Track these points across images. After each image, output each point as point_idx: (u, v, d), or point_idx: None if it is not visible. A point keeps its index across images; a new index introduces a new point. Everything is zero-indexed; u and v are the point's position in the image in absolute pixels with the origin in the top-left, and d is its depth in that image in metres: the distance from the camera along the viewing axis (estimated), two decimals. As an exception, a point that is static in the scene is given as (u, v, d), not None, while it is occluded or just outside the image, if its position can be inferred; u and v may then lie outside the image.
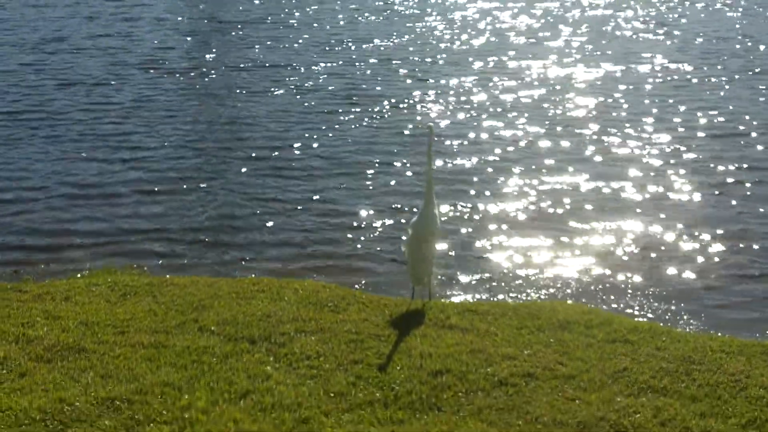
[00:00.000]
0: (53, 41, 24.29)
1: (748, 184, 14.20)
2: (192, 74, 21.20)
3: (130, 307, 8.75)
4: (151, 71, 21.25)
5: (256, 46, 24.07)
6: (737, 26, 27.88)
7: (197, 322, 8.31)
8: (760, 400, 7.09)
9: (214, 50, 23.94)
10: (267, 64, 21.97)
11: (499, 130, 16.88)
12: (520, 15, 29.45)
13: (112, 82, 20.09)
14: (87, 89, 19.48)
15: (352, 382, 7.18)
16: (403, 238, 9.12)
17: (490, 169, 14.80)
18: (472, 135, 16.56)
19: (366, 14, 29.38)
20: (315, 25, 27.39)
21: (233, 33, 26.12)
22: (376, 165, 14.92)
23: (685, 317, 10.07)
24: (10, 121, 17.06)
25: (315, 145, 15.92)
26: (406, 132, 16.62)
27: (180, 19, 28.62)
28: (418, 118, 17.22)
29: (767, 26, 27.86)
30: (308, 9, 30.25)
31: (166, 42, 24.77)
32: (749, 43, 24.94)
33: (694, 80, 20.80)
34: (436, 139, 15.73)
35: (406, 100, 18.78)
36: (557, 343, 8.04)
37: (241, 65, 21.97)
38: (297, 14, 29.09)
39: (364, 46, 24.30)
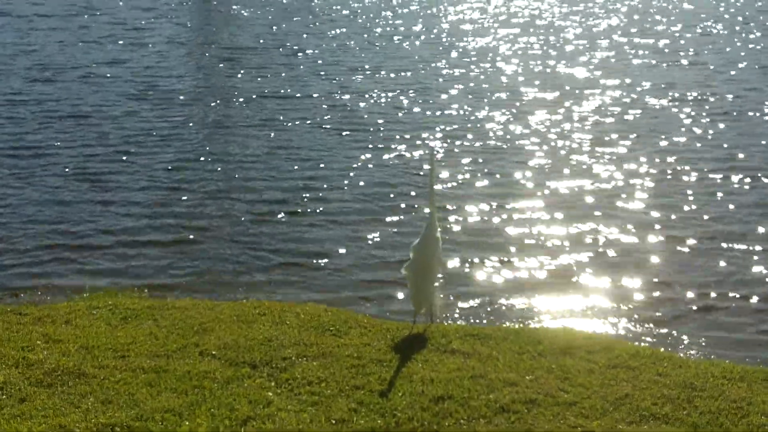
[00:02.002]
0: (45, 68, 23.44)
1: (752, 209, 14.20)
2: (192, 105, 20.43)
3: (131, 330, 8.73)
4: (149, 101, 20.52)
5: (259, 76, 23.40)
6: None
7: (198, 346, 8.29)
8: (762, 428, 7.07)
9: (216, 79, 23.38)
10: (270, 94, 21.34)
11: (502, 155, 16.87)
12: (531, 43, 29.29)
13: (107, 113, 19.36)
14: (79, 120, 18.75)
15: (353, 408, 7.15)
16: (405, 264, 9.07)
17: (493, 194, 14.79)
18: (474, 159, 16.55)
19: (373, 41, 28.87)
20: (314, 50, 27.16)
21: (235, 61, 25.46)
22: (382, 191, 14.86)
23: (686, 342, 10.05)
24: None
25: (313, 172, 15.93)
26: (410, 158, 16.42)
27: (180, 47, 27.90)
28: (421, 146, 17.06)
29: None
30: (315, 36, 29.64)
31: (166, 71, 23.95)
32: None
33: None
34: (439, 162, 15.80)
35: (410, 128, 18.50)
36: (559, 368, 8.02)
37: (244, 95, 21.27)
38: (302, 40, 28.57)
39: (373, 74, 23.73)
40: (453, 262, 12.05)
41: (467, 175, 15.58)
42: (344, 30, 30.66)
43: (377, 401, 7.27)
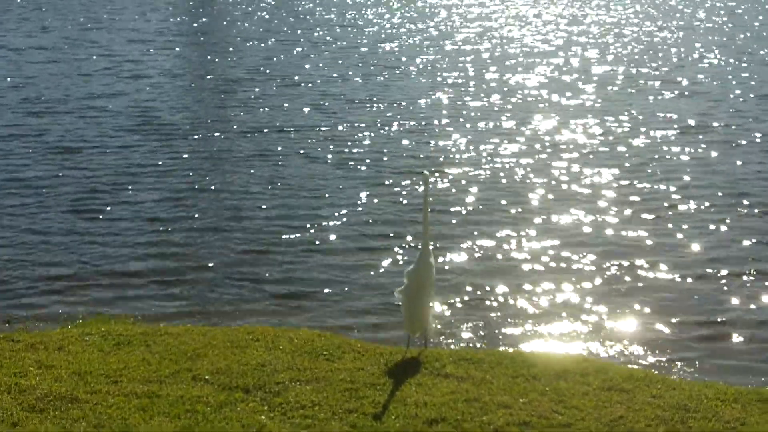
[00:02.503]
0: (39, 102, 23.19)
1: (745, 234, 14.27)
2: (188, 138, 20.05)
3: (124, 356, 8.70)
4: (144, 134, 20.18)
5: (255, 108, 23.01)
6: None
7: (191, 371, 8.26)
8: (757, 448, 7.07)
9: (211, 111, 22.92)
10: (266, 126, 20.94)
11: (495, 182, 16.93)
12: (529, 75, 29.14)
13: (102, 146, 19.09)
14: (74, 154, 18.50)
15: (347, 431, 7.14)
16: (398, 288, 9.07)
17: (485, 219, 14.83)
18: (467, 183, 16.60)
19: (372, 72, 28.53)
20: (312, 82, 26.97)
21: (231, 92, 25.12)
22: (376, 222, 14.88)
23: (679, 365, 10.08)
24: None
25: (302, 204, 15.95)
26: (406, 190, 16.43)
27: (176, 78, 27.49)
28: (417, 178, 17.03)
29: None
30: (314, 66, 29.32)
31: (161, 103, 23.56)
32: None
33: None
34: (432, 179, 15.85)
35: (406, 160, 18.46)
36: (553, 391, 8.01)
37: (240, 127, 20.85)
38: (301, 71, 28.27)
39: (371, 105, 23.50)
40: (447, 288, 12.05)
41: (462, 204, 15.62)
42: (343, 61, 30.54)
43: (371, 424, 7.25)
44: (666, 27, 40.75)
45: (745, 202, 15.66)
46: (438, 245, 13.21)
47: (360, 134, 20.23)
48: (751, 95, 25.13)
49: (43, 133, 20.03)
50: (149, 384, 7.95)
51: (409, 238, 13.94)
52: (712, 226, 14.61)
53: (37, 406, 7.43)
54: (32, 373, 8.13)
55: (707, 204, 15.61)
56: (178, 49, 32.89)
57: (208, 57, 31.25)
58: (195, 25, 39.23)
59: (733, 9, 48.37)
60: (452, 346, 10.27)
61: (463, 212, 15.19)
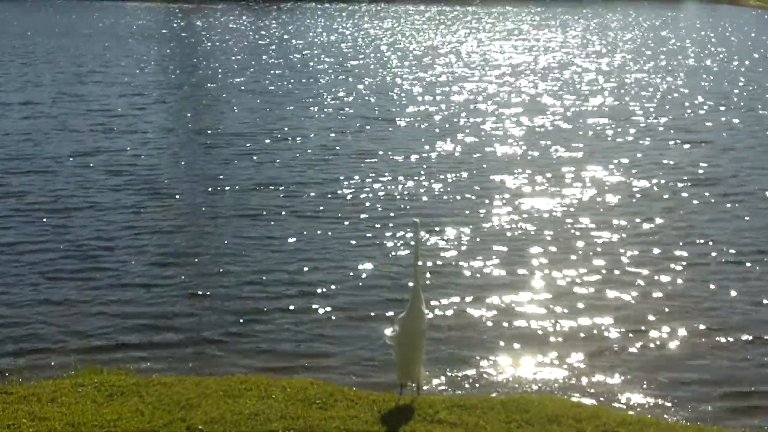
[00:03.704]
0: (20, 159, 22.41)
1: (737, 271, 14.38)
2: (174, 195, 19.43)
3: (117, 407, 8.71)
4: (131, 192, 19.53)
5: (246, 163, 22.51)
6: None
7: (185, 421, 8.28)
8: (751, 493, 7.09)
9: (201, 168, 22.19)
10: (255, 183, 20.38)
11: (488, 231, 16.98)
12: (528, 126, 28.91)
13: (88, 205, 18.41)
14: (59, 213, 17.79)
15: (342, 479, 7.15)
16: (390, 334, 9.10)
17: (476, 266, 14.87)
18: (458, 232, 16.66)
19: (366, 125, 28.03)
20: (306, 136, 26.84)
21: (221, 148, 24.51)
22: (368, 278, 14.89)
23: (672, 409, 10.08)
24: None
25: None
26: (400, 246, 16.21)
27: (166, 134, 26.75)
28: (407, 224, 17.02)
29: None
30: (308, 119, 28.78)
31: (149, 159, 22.89)
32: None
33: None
34: (424, 234, 15.87)
35: (392, 210, 18.28)
36: (546, 436, 8.04)
37: (229, 184, 20.30)
38: (293, 125, 27.78)
39: (366, 159, 22.91)
40: (438, 331, 12.06)
41: (452, 251, 15.68)
42: (334, 113, 30.23)
43: (365, 472, 7.26)
44: (665, 72, 41.19)
45: (733, 251, 15.69)
46: (428, 292, 13.23)
47: (352, 190, 19.97)
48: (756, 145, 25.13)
49: (24, 193, 19.30)
50: (143, 435, 7.96)
51: (401, 286, 13.92)
52: (711, 268, 14.68)
53: (31, 459, 7.43)
54: (26, 425, 8.13)
55: (704, 251, 15.65)
56: (167, 103, 32.55)
57: (199, 112, 30.79)
58: (186, 79, 39.22)
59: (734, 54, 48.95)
60: (445, 392, 10.27)
61: (454, 259, 15.22)
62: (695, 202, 18.76)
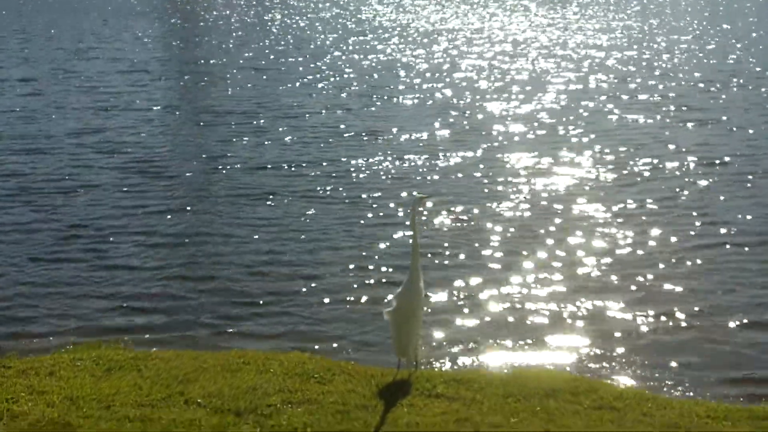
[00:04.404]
0: (17, 138, 22.29)
1: (732, 246, 14.37)
2: (173, 173, 19.26)
3: (115, 381, 8.72)
4: (130, 173, 19.30)
5: (245, 141, 22.28)
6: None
7: (183, 395, 8.29)
8: (747, 465, 7.11)
9: (200, 146, 21.92)
10: (254, 162, 20.13)
11: (484, 201, 16.99)
12: (534, 106, 28.54)
13: (88, 185, 18.26)
14: (59, 195, 17.58)
15: (339, 452, 7.17)
16: (387, 309, 9.09)
17: (474, 238, 14.88)
18: (459, 207, 16.65)
19: (358, 100, 28.00)
20: (308, 114, 26.26)
21: (219, 125, 24.32)
22: (367, 247, 14.88)
23: (670, 383, 10.08)
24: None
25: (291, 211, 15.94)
26: (395, 216, 16.34)
27: (162, 111, 26.52)
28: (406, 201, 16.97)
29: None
30: (310, 97, 28.63)
31: (148, 139, 22.60)
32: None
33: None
34: (426, 209, 15.83)
35: (394, 186, 18.27)
36: (543, 410, 8.05)
37: (229, 163, 20.11)
38: (295, 103, 27.49)
39: (369, 138, 22.68)
40: (436, 307, 12.08)
41: (452, 227, 15.68)
42: (336, 91, 30.01)
43: (363, 446, 7.28)
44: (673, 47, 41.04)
45: (723, 231, 15.62)
46: (429, 269, 13.23)
47: (351, 166, 19.88)
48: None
49: (20, 174, 19.20)
50: (142, 408, 7.98)
51: (403, 266, 13.89)
52: (719, 250, 14.64)
53: (29, 432, 7.45)
54: (24, 398, 8.14)
55: (709, 231, 15.60)
56: (167, 80, 32.37)
57: (199, 89, 30.60)
58: (186, 55, 39.06)
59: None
60: (443, 367, 10.28)
61: (456, 236, 15.21)
62: (704, 181, 18.46)
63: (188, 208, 16.74)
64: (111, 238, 15.02)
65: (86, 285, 13.13)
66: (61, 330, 11.53)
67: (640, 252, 14.26)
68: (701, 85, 30.89)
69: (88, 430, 7.46)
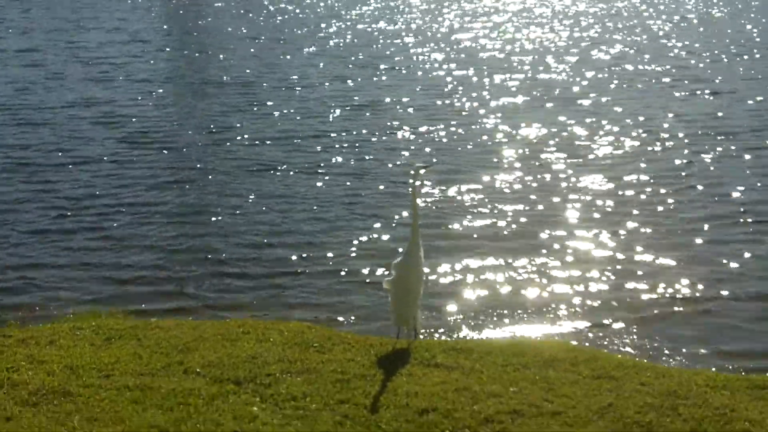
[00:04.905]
0: (8, 110, 22.21)
1: (729, 227, 14.34)
2: (172, 148, 19.14)
3: (115, 350, 8.72)
4: (130, 145, 19.29)
5: (246, 112, 22.23)
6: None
7: (183, 364, 8.29)
8: (745, 434, 7.13)
9: (199, 119, 21.80)
10: (255, 135, 19.92)
11: (487, 173, 16.98)
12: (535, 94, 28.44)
13: (88, 158, 18.16)
14: (57, 168, 17.56)
15: (338, 421, 7.18)
16: (386, 279, 9.09)
17: (475, 209, 14.89)
18: (459, 180, 16.64)
19: (364, 75, 27.60)
20: (311, 84, 26.36)
21: (217, 97, 24.25)
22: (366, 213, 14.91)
23: (669, 352, 10.12)
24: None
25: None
26: (395, 188, 16.35)
27: (160, 82, 26.34)
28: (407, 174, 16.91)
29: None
30: (308, 69, 28.37)
31: (144, 109, 22.58)
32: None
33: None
34: (428, 178, 15.81)
35: (394, 159, 18.28)
36: (543, 380, 8.06)
37: (229, 136, 19.96)
38: (294, 75, 27.22)
39: (372, 110, 22.62)
40: (436, 277, 12.10)
41: (452, 199, 15.67)
42: (336, 63, 29.76)
43: (362, 415, 7.29)
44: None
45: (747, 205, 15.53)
46: (430, 240, 13.22)
47: (352, 134, 19.91)
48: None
49: (18, 146, 19.15)
50: (141, 377, 7.98)
51: (404, 237, 13.88)
52: (703, 213, 14.66)
53: (30, 401, 7.46)
54: (24, 367, 8.15)
55: (688, 196, 15.65)
56: (165, 52, 32.13)
57: (199, 60, 30.31)
58: (186, 25, 38.80)
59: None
60: (442, 337, 10.31)
61: (454, 205, 15.23)
62: (712, 155, 18.23)
63: (189, 179, 16.74)
64: (111, 210, 15.07)
65: (86, 255, 13.19)
66: (61, 300, 11.61)
67: (642, 223, 14.26)
68: (710, 56, 30.51)
69: (88, 399, 7.47)
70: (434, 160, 17.40)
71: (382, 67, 28.86)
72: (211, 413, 7.25)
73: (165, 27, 38.52)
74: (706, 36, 35.22)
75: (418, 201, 9.33)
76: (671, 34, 36.15)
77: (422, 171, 9.27)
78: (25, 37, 34.09)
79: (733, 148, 18.87)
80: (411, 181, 9.09)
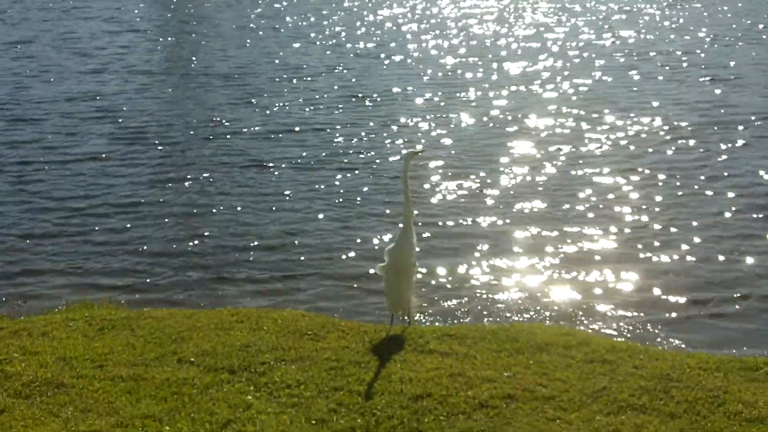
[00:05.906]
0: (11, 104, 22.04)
1: (725, 210, 14.33)
2: (166, 142, 18.93)
3: (108, 341, 8.72)
4: (121, 139, 19.05)
5: (242, 104, 21.98)
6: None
7: (176, 354, 8.30)
8: (738, 415, 7.15)
9: (192, 111, 21.57)
10: (252, 128, 19.72)
11: (485, 161, 16.96)
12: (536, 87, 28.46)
13: (80, 153, 18.02)
14: (55, 164, 17.34)
15: (333, 408, 7.19)
16: (380, 265, 9.09)
17: (470, 197, 14.88)
18: (452, 161, 16.63)
19: (359, 66, 27.18)
20: (307, 73, 26.27)
21: (215, 89, 23.92)
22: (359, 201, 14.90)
23: (662, 335, 10.14)
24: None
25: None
26: (388, 174, 16.38)
27: (154, 72, 26.18)
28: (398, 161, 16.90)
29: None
30: (301, 60, 27.99)
31: (135, 102, 22.33)
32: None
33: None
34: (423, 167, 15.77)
35: (385, 146, 18.34)
36: (536, 364, 8.08)
37: (225, 129, 19.72)
38: (288, 66, 26.95)
39: (366, 101, 22.30)
40: (429, 264, 12.09)
41: (446, 185, 15.66)
42: (330, 53, 29.54)
43: (356, 401, 7.31)
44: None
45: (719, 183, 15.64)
46: (420, 223, 13.24)
47: (346, 125, 19.70)
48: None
49: (9, 142, 18.95)
50: (135, 367, 7.98)
51: (392, 218, 13.93)
52: (701, 201, 14.67)
53: (23, 392, 7.47)
54: (17, 359, 8.15)
55: (683, 186, 15.64)
56: (157, 43, 31.82)
57: (193, 51, 29.90)
58: (180, 15, 38.51)
59: None
60: (435, 323, 10.31)
61: (448, 192, 15.21)
62: (722, 145, 17.83)
63: (183, 175, 16.62)
64: (102, 203, 15.00)
65: (78, 246, 13.17)
66: (54, 290, 11.60)
67: (644, 211, 14.19)
68: (718, 42, 30.13)
69: (82, 390, 7.47)
70: (419, 146, 17.33)
71: (376, 56, 28.63)
72: (205, 402, 7.25)
73: (159, 16, 38.29)
74: (712, 23, 34.68)
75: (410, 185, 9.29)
76: (677, 20, 35.73)
77: (415, 155, 9.25)
78: (15, 29, 33.90)
79: (749, 136, 18.44)
80: (403, 165, 9.05)
